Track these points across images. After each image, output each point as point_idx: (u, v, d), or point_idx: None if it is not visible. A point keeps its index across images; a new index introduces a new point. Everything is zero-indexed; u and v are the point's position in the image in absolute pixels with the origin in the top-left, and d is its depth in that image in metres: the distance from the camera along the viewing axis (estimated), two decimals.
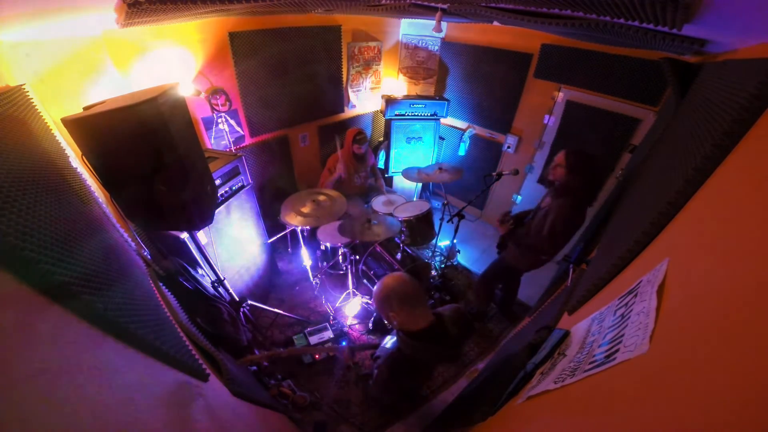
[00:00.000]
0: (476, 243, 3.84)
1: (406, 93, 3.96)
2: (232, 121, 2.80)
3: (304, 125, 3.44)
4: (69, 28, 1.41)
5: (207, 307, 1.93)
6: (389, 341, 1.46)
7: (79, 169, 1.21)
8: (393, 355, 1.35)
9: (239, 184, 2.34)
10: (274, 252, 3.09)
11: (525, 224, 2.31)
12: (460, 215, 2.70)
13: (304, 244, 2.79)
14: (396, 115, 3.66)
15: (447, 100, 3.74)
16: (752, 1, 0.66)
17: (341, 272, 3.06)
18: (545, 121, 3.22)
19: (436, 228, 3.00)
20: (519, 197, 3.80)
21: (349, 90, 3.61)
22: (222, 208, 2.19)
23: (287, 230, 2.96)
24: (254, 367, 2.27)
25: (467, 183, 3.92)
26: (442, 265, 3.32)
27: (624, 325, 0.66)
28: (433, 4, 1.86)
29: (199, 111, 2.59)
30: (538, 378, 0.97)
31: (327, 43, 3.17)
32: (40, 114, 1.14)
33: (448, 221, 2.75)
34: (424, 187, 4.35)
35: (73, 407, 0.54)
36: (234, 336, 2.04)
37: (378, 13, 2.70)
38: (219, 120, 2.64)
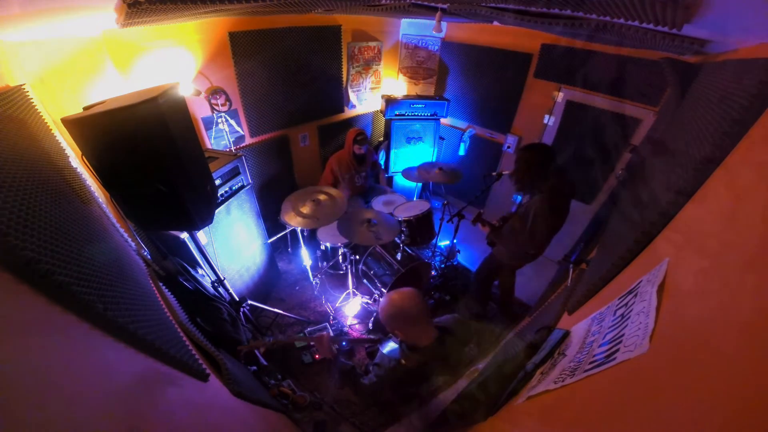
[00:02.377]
0: (476, 243, 3.83)
1: (406, 93, 3.96)
2: (232, 121, 2.80)
3: (304, 125, 3.44)
4: (69, 28, 1.41)
5: (207, 307, 1.93)
6: (388, 347, 1.46)
7: (79, 169, 1.21)
8: (394, 368, 1.34)
9: (239, 184, 2.34)
10: (274, 252, 3.09)
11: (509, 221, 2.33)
12: (460, 215, 2.70)
13: (304, 244, 2.79)
14: (396, 115, 3.66)
15: (447, 100, 3.74)
16: (752, 1, 0.66)
17: (341, 272, 3.05)
18: (545, 121, 3.22)
19: (436, 228, 3.00)
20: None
21: (349, 90, 3.61)
22: (222, 208, 2.19)
23: (287, 230, 2.96)
24: (254, 367, 2.27)
25: (467, 183, 3.92)
26: (442, 265, 3.32)
27: (624, 325, 0.66)
28: (433, 4, 1.86)
29: (199, 111, 2.59)
30: (538, 378, 0.97)
31: (327, 43, 3.17)
32: (40, 114, 1.14)
33: (448, 221, 2.75)
34: (424, 187, 4.35)
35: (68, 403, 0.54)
36: (234, 336, 2.04)
37: (378, 13, 2.70)
38: (219, 120, 2.63)
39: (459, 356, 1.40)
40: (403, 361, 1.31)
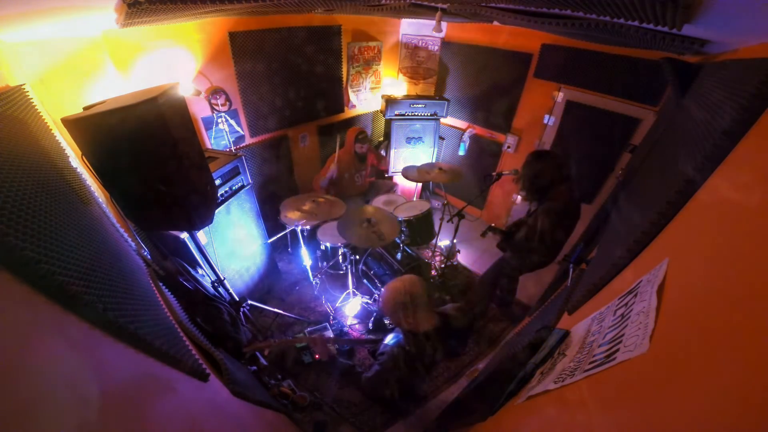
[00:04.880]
0: (476, 243, 3.83)
1: (406, 93, 3.96)
2: (232, 121, 2.79)
3: (304, 125, 3.44)
4: (69, 28, 1.41)
5: (207, 307, 1.92)
6: (390, 339, 1.48)
7: (79, 169, 1.21)
8: (398, 354, 1.37)
9: (239, 184, 2.34)
10: (274, 252, 3.09)
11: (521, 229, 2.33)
12: (460, 215, 2.70)
13: (304, 244, 2.79)
14: (396, 115, 3.66)
15: (447, 100, 3.74)
16: (752, 1, 0.66)
17: (341, 272, 3.05)
18: (545, 121, 3.22)
19: (436, 228, 3.00)
20: (519, 197, 3.79)
21: (349, 90, 3.61)
22: (222, 208, 2.19)
23: (287, 230, 2.96)
24: (254, 367, 2.27)
25: (467, 183, 3.92)
26: (442, 265, 3.32)
27: (624, 324, 0.66)
28: (433, 4, 1.86)
29: (199, 111, 2.59)
30: (538, 378, 0.97)
31: (327, 43, 3.17)
32: (40, 114, 1.14)
33: (448, 221, 2.75)
34: (424, 187, 4.35)
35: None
36: (234, 336, 2.04)
37: (378, 13, 2.70)
38: (219, 120, 2.63)
39: (460, 342, 1.42)
40: (406, 347, 1.33)
